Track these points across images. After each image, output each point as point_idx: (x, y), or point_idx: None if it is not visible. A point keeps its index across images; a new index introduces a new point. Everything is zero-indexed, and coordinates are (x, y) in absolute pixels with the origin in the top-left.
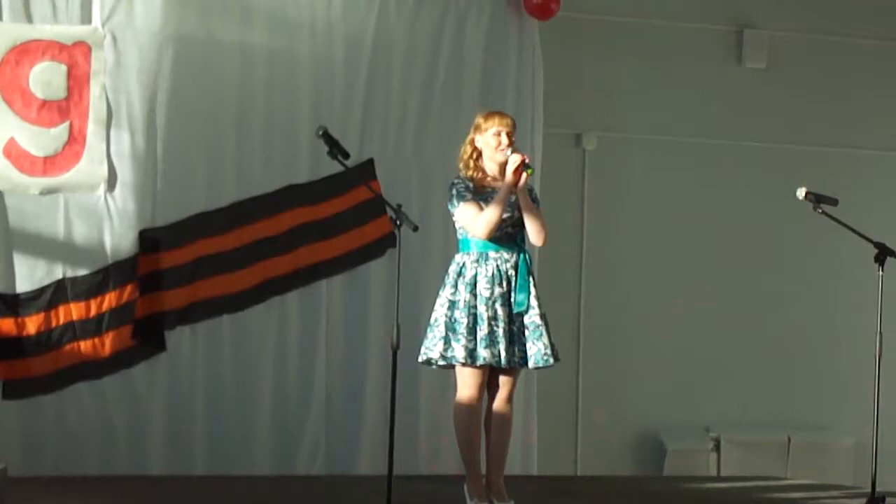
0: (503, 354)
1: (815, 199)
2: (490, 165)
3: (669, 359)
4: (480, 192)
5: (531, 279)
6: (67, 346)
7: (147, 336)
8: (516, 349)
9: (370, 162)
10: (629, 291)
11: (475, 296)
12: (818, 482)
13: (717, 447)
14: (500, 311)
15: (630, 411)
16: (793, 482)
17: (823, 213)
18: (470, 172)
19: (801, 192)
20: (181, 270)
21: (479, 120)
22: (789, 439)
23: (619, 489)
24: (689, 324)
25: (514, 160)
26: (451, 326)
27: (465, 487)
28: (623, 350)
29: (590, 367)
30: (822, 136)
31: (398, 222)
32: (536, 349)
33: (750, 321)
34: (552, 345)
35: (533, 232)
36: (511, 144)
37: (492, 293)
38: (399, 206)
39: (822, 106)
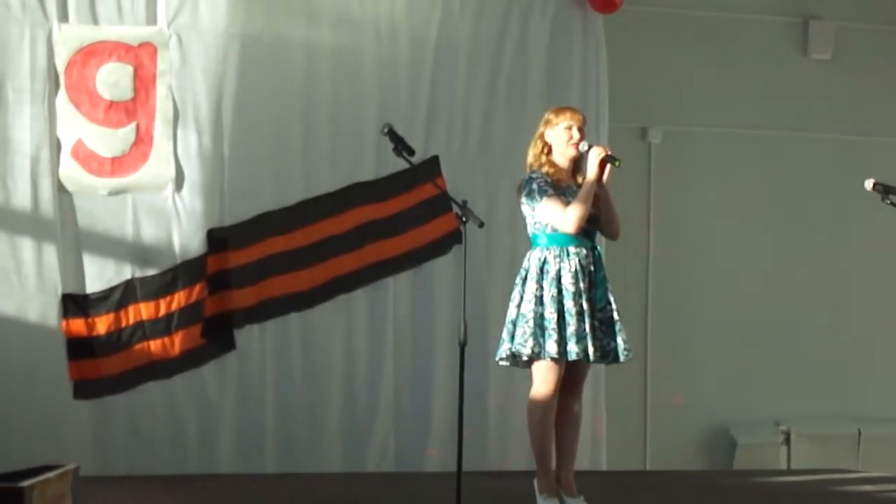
0: (591, 349)
1: (884, 190)
2: (560, 160)
3: (738, 352)
4: (557, 188)
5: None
6: (137, 346)
7: (216, 335)
8: (598, 344)
9: (435, 159)
10: (696, 285)
11: (560, 291)
12: (890, 475)
13: (788, 440)
14: (585, 306)
15: (699, 405)
16: (864, 475)
17: (892, 204)
18: (545, 168)
19: (868, 184)
20: (249, 269)
21: (550, 115)
22: (860, 432)
23: (689, 483)
24: (757, 317)
25: (597, 152)
26: (539, 322)
27: (536, 483)
28: (691, 344)
29: (658, 362)
30: (889, 127)
31: (464, 219)
32: (616, 344)
33: (819, 313)
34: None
35: (612, 227)
36: (582, 139)
37: (577, 288)
38: (465, 202)
39: (889, 96)
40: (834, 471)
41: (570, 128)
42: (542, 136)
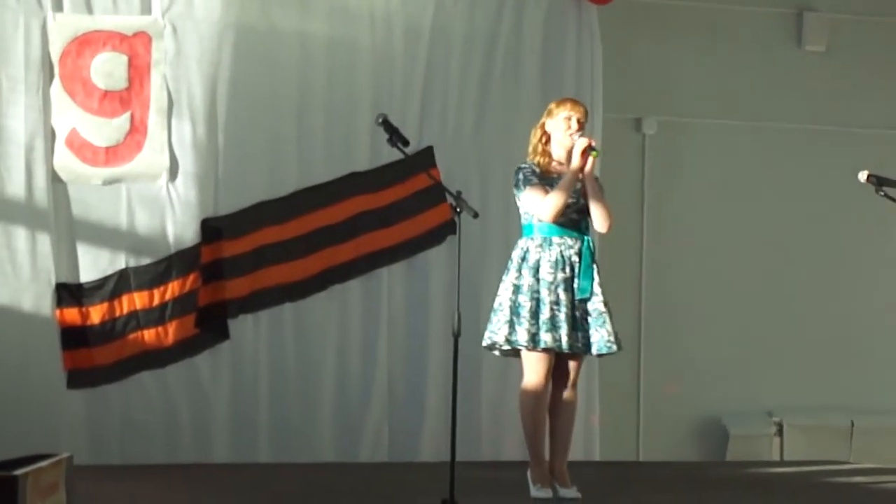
0: (564, 339)
1: (877, 181)
2: (558, 150)
3: (731, 343)
4: (546, 177)
5: (595, 266)
6: (131, 336)
7: (210, 325)
8: (579, 335)
9: (430, 149)
10: (690, 276)
11: (538, 280)
12: (882, 466)
13: (780, 431)
14: (562, 296)
15: (692, 396)
16: (856, 466)
17: (885, 195)
18: (538, 158)
19: (862, 175)
20: (243, 259)
21: (552, 105)
22: (852, 423)
23: (682, 474)
24: (750, 308)
25: (581, 143)
26: (515, 310)
27: (529, 473)
28: (684, 335)
29: (651, 353)
30: (882, 119)
31: (458, 209)
32: (600, 336)
33: (812, 305)
34: (615, 332)
35: (598, 218)
36: (580, 129)
37: (554, 278)
38: (459, 192)
39: (883, 89)
40: (826, 462)
41: (569, 118)
42: (542, 125)
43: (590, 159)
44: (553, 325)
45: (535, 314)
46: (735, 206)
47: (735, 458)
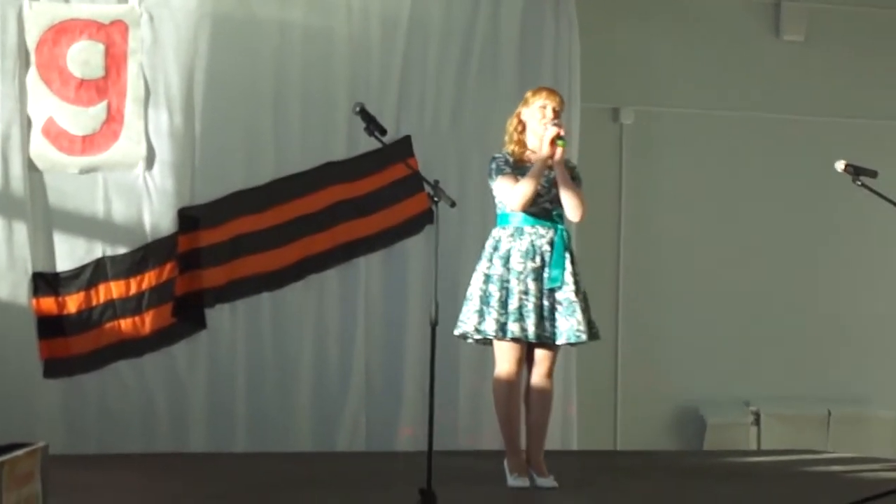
0: (531, 329)
1: (855, 171)
2: (532, 140)
3: (708, 333)
4: (520, 167)
5: (568, 256)
6: (108, 325)
7: (187, 314)
8: (548, 325)
9: (407, 139)
10: (667, 266)
11: (508, 269)
12: (859, 455)
13: (757, 421)
14: (531, 286)
15: (669, 386)
16: (833, 455)
17: (863, 185)
18: (512, 146)
19: (839, 165)
20: (220, 248)
21: (528, 94)
22: (829, 412)
23: (659, 464)
24: (727, 298)
25: (550, 133)
26: (484, 300)
27: (506, 463)
28: (662, 324)
29: (628, 342)
30: (860, 109)
31: (435, 199)
32: (569, 325)
33: (789, 294)
34: (590, 322)
35: (569, 207)
36: (556, 118)
37: (524, 267)
38: (436, 182)
39: (861, 78)
40: (803, 451)
41: (544, 107)
42: (518, 114)
43: (558, 149)
44: (521, 315)
45: (504, 304)
46: (712, 197)
47: (712, 447)
